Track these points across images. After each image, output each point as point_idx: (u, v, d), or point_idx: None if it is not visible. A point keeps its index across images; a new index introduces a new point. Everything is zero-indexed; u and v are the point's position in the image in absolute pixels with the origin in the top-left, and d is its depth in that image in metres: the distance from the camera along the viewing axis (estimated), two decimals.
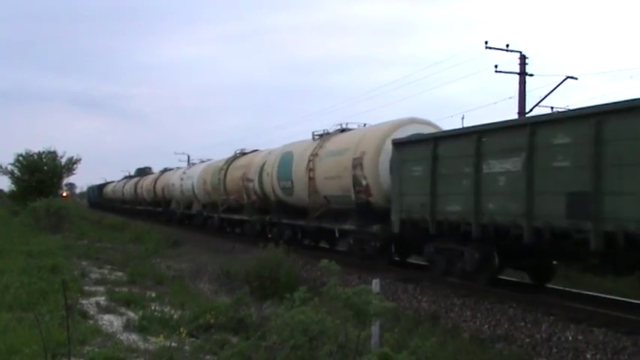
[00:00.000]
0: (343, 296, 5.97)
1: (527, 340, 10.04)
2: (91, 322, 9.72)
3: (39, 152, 49.56)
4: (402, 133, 15.52)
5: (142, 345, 8.36)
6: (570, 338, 9.58)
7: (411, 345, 6.14)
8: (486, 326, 10.97)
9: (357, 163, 16.27)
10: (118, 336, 8.82)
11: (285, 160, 21.26)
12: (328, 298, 6.15)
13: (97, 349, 7.75)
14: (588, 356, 9.03)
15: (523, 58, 26.77)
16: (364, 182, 16.06)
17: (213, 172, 29.72)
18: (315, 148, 19.29)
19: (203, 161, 36.11)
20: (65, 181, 56.53)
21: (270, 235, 22.91)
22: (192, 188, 33.21)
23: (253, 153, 27.35)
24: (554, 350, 9.49)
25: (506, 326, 10.69)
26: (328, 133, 19.76)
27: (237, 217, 26.77)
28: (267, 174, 22.40)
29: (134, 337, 8.86)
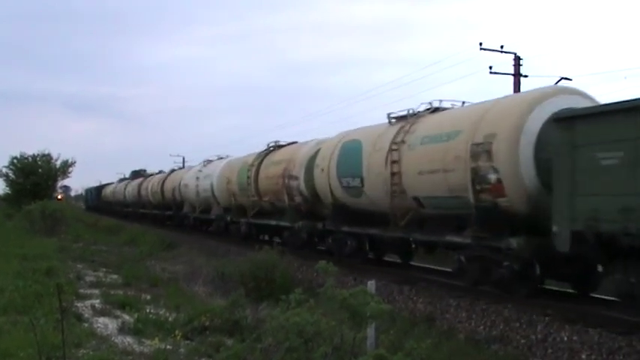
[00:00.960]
0: (340, 297, 5.97)
1: (522, 340, 10.05)
2: (86, 325, 9.70)
3: (33, 155, 49.62)
4: (547, 109, 11.34)
5: (136, 348, 8.35)
6: (565, 339, 9.59)
7: (406, 346, 6.15)
8: (482, 327, 10.98)
9: (481, 151, 11.82)
10: (112, 339, 8.80)
11: (349, 150, 16.67)
12: (325, 299, 6.15)
13: (91, 352, 7.73)
14: (583, 357, 9.05)
15: (517, 60, 26.83)
16: (493, 177, 11.64)
17: (240, 170, 24.80)
18: (399, 133, 14.46)
19: (222, 157, 30.85)
20: (60, 183, 56.54)
21: (323, 247, 19.32)
22: (211, 189, 28.36)
23: (294, 145, 22.54)
24: (550, 351, 9.50)
25: (501, 327, 10.69)
26: (415, 114, 14.87)
27: (273, 222, 21.86)
28: (322, 170, 17.82)
29: (129, 339, 8.84)
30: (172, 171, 41.84)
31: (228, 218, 26.61)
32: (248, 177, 23.33)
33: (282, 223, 20.87)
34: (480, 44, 26.46)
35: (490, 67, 26.63)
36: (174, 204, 36.61)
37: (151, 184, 44.78)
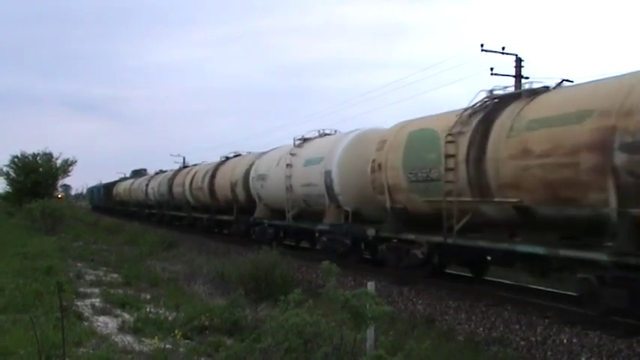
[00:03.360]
0: (342, 298, 5.97)
1: (522, 342, 10.06)
2: (86, 323, 9.69)
3: (34, 154, 49.61)
4: None
5: (136, 347, 8.34)
6: (565, 341, 9.60)
7: (406, 348, 6.15)
8: (481, 329, 10.99)
9: None
10: (112, 338, 8.79)
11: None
12: (327, 300, 6.15)
13: (91, 351, 7.74)
14: (583, 359, 9.05)
15: (519, 61, 26.89)
16: None
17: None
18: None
19: (306, 137, 21.21)
20: (60, 182, 56.53)
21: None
22: (327, 182, 17.93)
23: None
24: (549, 353, 9.51)
25: (501, 329, 10.70)
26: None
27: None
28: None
29: (129, 338, 8.84)
30: (226, 159, 29.85)
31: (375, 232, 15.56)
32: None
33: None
34: (482, 46, 26.56)
35: (491, 69, 26.70)
36: (237, 205, 26.07)
37: (191, 178, 33.24)
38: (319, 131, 20.87)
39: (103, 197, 73.54)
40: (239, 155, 29.22)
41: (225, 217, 28.12)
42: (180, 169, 39.92)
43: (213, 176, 29.34)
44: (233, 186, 26.32)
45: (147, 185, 46.54)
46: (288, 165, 20.24)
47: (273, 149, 23.94)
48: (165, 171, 45.72)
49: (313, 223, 18.85)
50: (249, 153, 28.08)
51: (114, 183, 70.17)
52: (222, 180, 27.95)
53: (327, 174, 17.75)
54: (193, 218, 33.51)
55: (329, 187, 17.68)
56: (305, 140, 20.97)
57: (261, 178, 22.79)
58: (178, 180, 36.44)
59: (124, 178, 72.25)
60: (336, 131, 20.63)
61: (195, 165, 37.60)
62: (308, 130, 22.65)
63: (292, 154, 20.39)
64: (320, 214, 18.38)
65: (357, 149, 17.34)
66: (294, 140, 21.13)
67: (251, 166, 24.60)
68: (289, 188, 20.00)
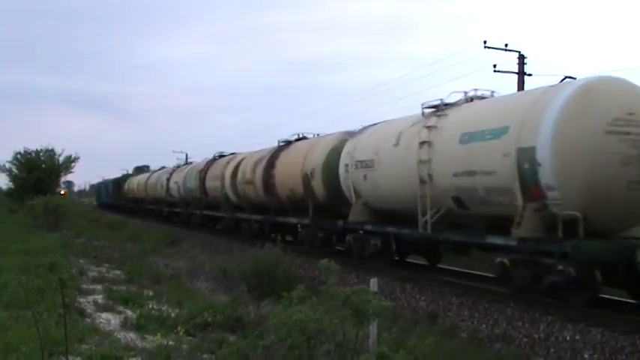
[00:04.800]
0: (342, 295, 5.96)
1: (525, 339, 10.05)
2: (89, 320, 9.70)
3: (37, 150, 49.59)
4: None
5: (139, 343, 8.34)
6: (568, 338, 9.59)
7: (408, 345, 6.15)
8: (484, 326, 10.98)
9: None
10: (115, 334, 8.79)
11: None
12: (327, 297, 6.14)
13: (94, 348, 7.73)
14: (586, 356, 9.05)
15: (522, 58, 26.82)
16: None
17: None
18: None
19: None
20: (63, 179, 56.55)
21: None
22: (530, 167, 11.25)
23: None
24: (552, 350, 9.50)
25: (504, 326, 10.70)
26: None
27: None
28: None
29: (131, 335, 8.84)
30: (288, 143, 23.04)
31: None
32: None
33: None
34: (485, 42, 26.46)
35: (494, 66, 26.62)
36: (313, 203, 19.58)
37: (233, 169, 26.63)
38: (465, 93, 14.08)
39: (112, 194, 67.13)
40: (304, 138, 22.66)
41: (293, 220, 21.54)
42: (215, 159, 32.23)
43: (271, 166, 22.50)
44: (307, 178, 19.65)
45: (168, 179, 39.62)
46: (423, 143, 13.66)
47: (384, 122, 17.25)
48: (187, 164, 40.34)
49: (489, 236, 12.31)
50: (317, 135, 22.19)
51: (124, 178, 63.95)
52: (287, 170, 21.22)
53: (525, 154, 11.09)
54: (237, 220, 27.05)
55: (527, 177, 11.08)
56: (447, 106, 14.10)
57: (365, 165, 16.25)
58: (214, 172, 29.90)
59: (127, 175, 68.10)
60: (492, 93, 13.99)
61: (232, 154, 30.66)
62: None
63: (430, 127, 13.69)
64: (489, 220, 12.69)
65: (589, 109, 10.63)
66: (423, 108, 14.60)
67: (336, 149, 18.71)
68: (427, 179, 13.47)
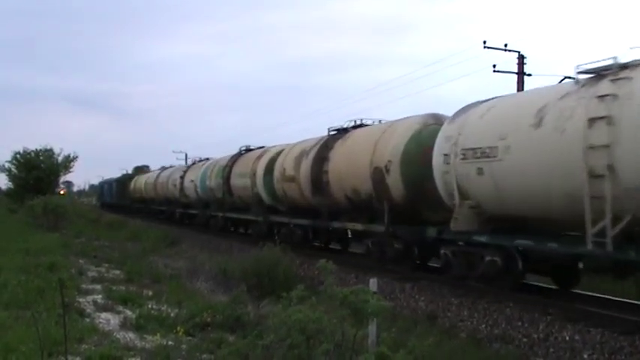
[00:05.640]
0: (340, 295, 5.96)
1: (524, 339, 10.05)
2: (88, 320, 9.70)
3: (36, 150, 49.58)
4: None
5: (138, 343, 8.35)
6: (567, 338, 9.58)
7: (408, 344, 6.15)
8: (483, 326, 10.98)
9: None
10: (114, 334, 8.80)
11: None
12: (325, 297, 6.14)
13: (93, 348, 7.74)
14: (585, 356, 9.04)
15: (521, 58, 26.83)
16: None
17: None
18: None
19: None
20: (62, 178, 56.54)
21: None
22: None
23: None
24: (552, 350, 9.50)
25: (503, 326, 10.70)
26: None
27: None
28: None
29: (131, 335, 8.84)
30: (343, 130, 18.66)
31: None
32: None
33: None
34: (484, 42, 26.47)
35: (494, 66, 26.63)
36: (389, 205, 15.18)
37: (266, 164, 22.64)
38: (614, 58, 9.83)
39: (116, 194, 63.34)
40: (362, 125, 18.28)
41: (357, 227, 17.11)
42: (241, 153, 27.88)
43: (322, 159, 18.08)
44: (380, 173, 15.28)
45: (182, 177, 35.46)
46: (595, 120, 9.58)
47: (502, 96, 13.14)
48: (201, 160, 36.04)
49: None
50: (380, 122, 17.83)
51: (130, 176, 60.34)
52: (347, 164, 16.95)
53: None
54: (270, 224, 22.93)
55: None
56: (627, 68, 9.78)
57: (480, 155, 11.98)
58: (240, 168, 25.90)
59: (132, 174, 65.44)
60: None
61: (261, 147, 26.45)
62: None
63: (605, 97, 9.57)
64: None
65: None
66: (577, 73, 10.54)
67: (419, 136, 14.89)
68: (605, 172, 9.36)
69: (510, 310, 11.14)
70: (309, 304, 6.17)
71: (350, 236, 19.17)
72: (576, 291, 12.49)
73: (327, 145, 18.52)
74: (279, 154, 22.22)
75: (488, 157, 11.73)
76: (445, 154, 12.94)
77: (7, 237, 22.58)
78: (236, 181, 26.25)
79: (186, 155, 65.53)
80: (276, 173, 21.40)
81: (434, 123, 14.83)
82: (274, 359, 6.01)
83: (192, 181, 33.27)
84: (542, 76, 47.31)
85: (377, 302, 5.97)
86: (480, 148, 11.95)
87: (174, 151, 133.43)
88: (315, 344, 5.83)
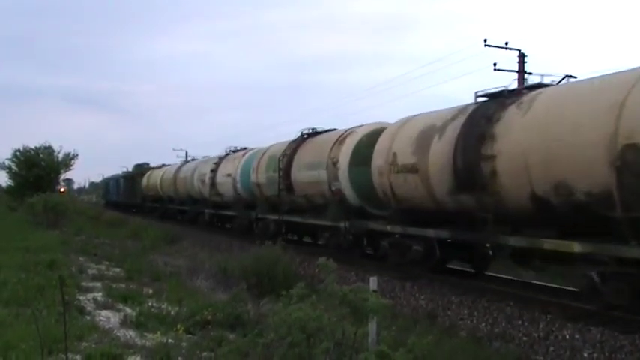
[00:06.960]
0: (340, 293, 5.96)
1: (524, 338, 10.05)
2: (88, 317, 9.71)
3: (36, 147, 49.61)
4: None
5: (138, 341, 8.35)
6: (567, 337, 9.59)
7: (408, 343, 6.14)
8: (484, 324, 10.98)
9: None
10: (115, 332, 8.80)
11: None
12: (325, 296, 6.14)
13: (94, 345, 7.74)
14: (585, 355, 9.04)
15: (522, 57, 26.79)
16: None
17: None
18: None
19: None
20: (63, 176, 56.54)
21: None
22: None
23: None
24: (552, 349, 9.50)
25: (503, 324, 10.70)
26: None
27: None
28: None
29: (131, 333, 8.84)
30: (537, 85, 12.29)
31: None
32: None
33: None
34: (485, 41, 26.44)
35: (494, 64, 26.60)
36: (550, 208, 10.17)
37: (353, 148, 17.20)
38: None
39: (123, 191, 57.15)
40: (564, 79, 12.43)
41: (575, 246, 10.04)
42: (303, 137, 21.08)
43: (481, 137, 11.76)
44: (635, 154, 8.81)
45: (214, 171, 28.79)
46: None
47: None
48: (232, 152, 29.36)
49: None
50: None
51: (140, 172, 52.47)
52: (545, 141, 10.40)
53: None
54: (358, 233, 17.04)
55: None
56: None
57: None
58: (307, 157, 19.79)
59: (141, 167, 58.83)
60: None
61: (321, 132, 20.53)
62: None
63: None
64: None
65: None
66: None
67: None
68: None
69: (510, 309, 11.14)
70: (309, 303, 6.16)
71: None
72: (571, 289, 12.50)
73: (486, 115, 12.01)
74: (376, 134, 16.37)
75: None
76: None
77: (8, 235, 22.60)
78: (301, 174, 19.83)
79: (186, 153, 65.50)
80: (378, 162, 15.42)
81: None
82: (274, 357, 6.01)
83: (228, 175, 26.80)
84: (543, 75, 47.01)
85: (377, 300, 5.97)
86: None
87: (174, 149, 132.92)
88: (316, 342, 5.83)
